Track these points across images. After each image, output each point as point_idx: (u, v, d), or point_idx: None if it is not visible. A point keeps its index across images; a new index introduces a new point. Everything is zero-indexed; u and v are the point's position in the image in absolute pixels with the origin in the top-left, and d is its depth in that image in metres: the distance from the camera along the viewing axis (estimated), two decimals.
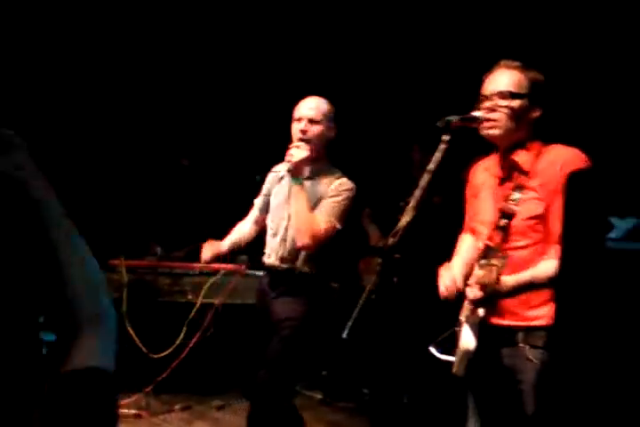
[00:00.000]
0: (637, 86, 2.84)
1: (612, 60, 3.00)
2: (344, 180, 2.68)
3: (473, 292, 1.92)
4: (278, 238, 2.73)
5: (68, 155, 4.46)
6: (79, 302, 1.00)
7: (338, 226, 2.59)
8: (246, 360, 2.73)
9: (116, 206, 4.56)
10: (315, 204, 2.65)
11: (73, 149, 4.52)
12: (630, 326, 1.17)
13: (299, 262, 2.67)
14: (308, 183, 2.67)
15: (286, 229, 2.70)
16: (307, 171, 2.69)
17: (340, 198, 2.62)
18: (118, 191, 4.65)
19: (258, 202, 2.98)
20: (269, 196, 2.90)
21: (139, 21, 4.46)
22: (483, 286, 1.87)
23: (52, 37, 4.27)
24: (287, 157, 2.58)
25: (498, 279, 1.85)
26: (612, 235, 1.18)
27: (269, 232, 2.81)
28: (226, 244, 2.99)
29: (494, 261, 1.86)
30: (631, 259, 1.16)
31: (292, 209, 2.64)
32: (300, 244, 2.61)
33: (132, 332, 3.69)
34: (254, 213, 3.01)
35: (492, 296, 1.90)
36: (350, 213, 2.67)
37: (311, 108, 2.64)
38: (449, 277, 2.07)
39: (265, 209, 2.91)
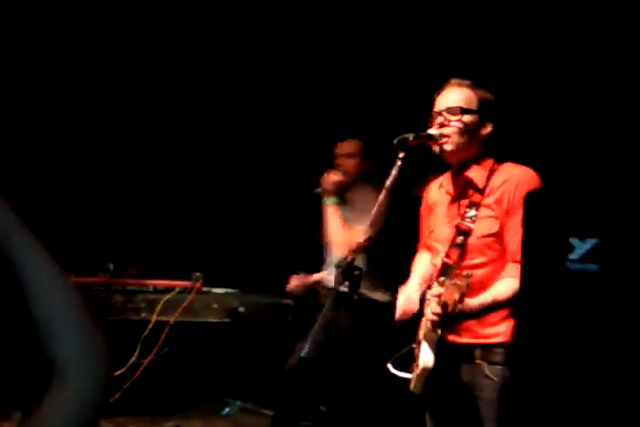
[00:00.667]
0: (592, 103, 2.90)
1: (557, 76, 3.07)
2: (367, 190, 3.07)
3: (433, 310, 1.91)
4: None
5: (18, 168, 4.34)
6: (55, 338, 0.82)
7: (372, 234, 2.85)
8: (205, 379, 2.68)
9: (67, 221, 4.44)
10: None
11: (23, 163, 4.39)
12: (586, 347, 1.18)
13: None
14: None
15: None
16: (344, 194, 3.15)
17: (368, 210, 2.89)
18: (69, 206, 4.53)
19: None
20: None
21: (98, 28, 4.37)
22: (444, 306, 1.84)
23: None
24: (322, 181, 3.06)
25: (462, 300, 1.80)
26: (572, 256, 1.18)
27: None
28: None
29: (458, 282, 1.80)
30: (589, 280, 1.17)
31: (329, 227, 3.06)
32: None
33: None
34: None
35: (455, 316, 1.88)
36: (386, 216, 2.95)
37: (348, 145, 3.28)
38: (405, 298, 2.07)
39: None
